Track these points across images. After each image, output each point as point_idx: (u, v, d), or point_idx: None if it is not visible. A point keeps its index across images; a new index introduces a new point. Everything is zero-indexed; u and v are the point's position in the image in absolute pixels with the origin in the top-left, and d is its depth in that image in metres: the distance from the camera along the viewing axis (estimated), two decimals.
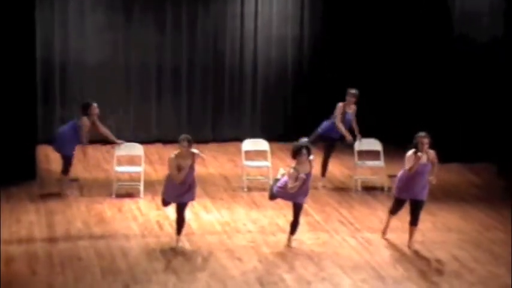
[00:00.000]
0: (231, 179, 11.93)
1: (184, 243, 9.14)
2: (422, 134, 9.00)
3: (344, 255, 8.94)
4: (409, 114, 13.96)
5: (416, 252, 9.07)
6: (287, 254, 8.91)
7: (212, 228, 9.78)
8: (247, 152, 11.69)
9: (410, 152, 8.99)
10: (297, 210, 9.02)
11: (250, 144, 11.83)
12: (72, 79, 13.80)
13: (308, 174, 8.87)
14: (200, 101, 14.27)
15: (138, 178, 11.05)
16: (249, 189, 11.30)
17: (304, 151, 8.79)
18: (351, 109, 11.49)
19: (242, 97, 14.43)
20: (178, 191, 8.93)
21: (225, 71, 14.31)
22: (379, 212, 10.29)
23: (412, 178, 8.97)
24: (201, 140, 14.00)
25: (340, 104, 11.44)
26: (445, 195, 11.43)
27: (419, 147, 8.92)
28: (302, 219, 9.72)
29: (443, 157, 12.91)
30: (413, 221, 9.15)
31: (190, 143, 8.88)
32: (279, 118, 14.50)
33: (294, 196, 8.90)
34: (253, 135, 13.02)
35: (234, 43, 14.28)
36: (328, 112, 14.56)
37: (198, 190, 11.19)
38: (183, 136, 8.95)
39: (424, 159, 8.95)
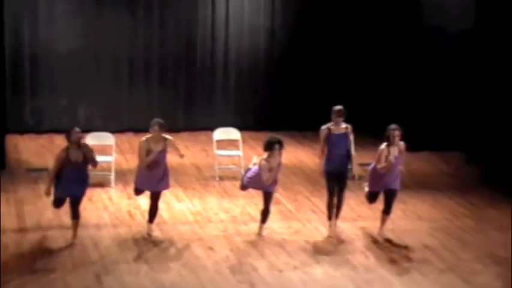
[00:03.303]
0: (203, 168, 11.91)
1: (156, 232, 9.11)
2: (393, 126, 9.02)
3: (316, 244, 8.98)
4: (379, 103, 14.05)
5: (387, 240, 9.14)
6: (259, 243, 8.93)
7: (184, 217, 9.76)
8: (218, 141, 11.68)
9: (382, 146, 9.02)
10: (267, 198, 9.06)
11: (221, 133, 11.81)
12: (42, 68, 13.65)
13: (278, 164, 8.92)
14: (172, 90, 14.21)
15: (109, 168, 10.98)
16: (221, 178, 11.29)
17: (277, 146, 8.84)
18: (340, 130, 9.19)
19: (214, 86, 14.40)
20: (152, 179, 8.90)
21: (196, 59, 14.25)
22: (350, 200, 10.33)
23: (387, 170, 9.02)
24: (172, 129, 13.90)
25: (323, 128, 9.23)
26: (415, 183, 11.54)
27: (390, 139, 8.97)
28: (274, 208, 9.75)
29: (414, 146, 13.05)
30: (387, 210, 9.22)
31: (161, 127, 8.86)
32: (250, 107, 14.49)
33: (263, 185, 8.94)
34: (225, 124, 12.99)
35: (205, 32, 14.22)
36: (300, 101, 14.69)
37: (170, 179, 11.22)
38: (154, 120, 8.94)
39: (395, 152, 9.00)
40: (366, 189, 9.38)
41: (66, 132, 8.64)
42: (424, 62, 13.20)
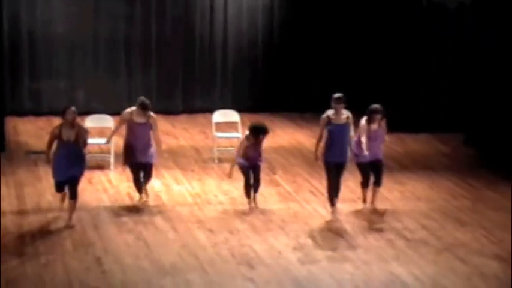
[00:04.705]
0: (202, 150, 11.94)
1: (156, 214, 9.16)
2: (374, 107, 9.30)
3: (315, 225, 9.03)
4: (378, 84, 14.03)
5: (385, 221, 9.19)
6: (258, 224, 8.97)
7: (183, 199, 9.80)
8: (217, 124, 11.69)
9: (363, 121, 9.30)
10: (257, 171, 9.45)
11: (220, 115, 11.82)
12: (41, 50, 13.63)
13: (258, 145, 9.41)
14: (170, 72, 14.19)
15: (108, 150, 11.00)
16: (220, 160, 11.32)
17: (261, 136, 9.32)
18: (341, 120, 9.00)
19: (212, 68, 14.38)
20: (136, 151, 9.29)
21: (195, 41, 14.23)
22: (349, 182, 10.36)
23: (367, 142, 9.25)
24: (171, 111, 13.98)
25: (323, 116, 9.04)
26: (413, 164, 11.59)
27: (372, 119, 9.28)
28: (273, 190, 9.95)
29: (412, 127, 13.13)
30: (377, 182, 9.47)
31: (144, 109, 9.29)
32: (249, 89, 14.49)
33: (253, 160, 9.34)
34: (223, 106, 13.01)
35: (204, 14, 14.18)
36: (299, 83, 14.69)
37: (169, 162, 11.26)
38: (140, 99, 9.38)
39: (375, 127, 9.32)
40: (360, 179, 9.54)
41: (62, 110, 8.72)
42: (423, 42, 13.17)
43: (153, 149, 9.45)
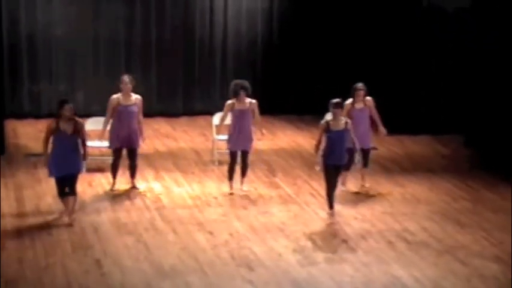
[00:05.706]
0: (202, 153, 11.94)
1: (155, 217, 9.16)
2: (358, 85, 9.78)
3: (315, 227, 9.02)
4: (376, 85, 14.00)
5: (385, 224, 9.19)
6: (258, 227, 8.97)
7: (183, 202, 9.80)
8: (218, 126, 11.67)
9: (347, 102, 9.65)
10: (245, 155, 9.85)
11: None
12: (41, 53, 13.64)
13: (250, 110, 9.64)
14: (170, 75, 14.20)
15: (108, 153, 10.97)
16: (220, 163, 11.31)
17: (242, 92, 9.54)
18: (340, 126, 8.96)
19: (212, 70, 14.39)
20: (123, 135, 9.55)
21: (195, 44, 14.24)
22: (349, 184, 10.36)
23: (353, 126, 9.30)
24: (171, 113, 13.99)
25: (322, 122, 9.08)
26: (413, 166, 11.59)
27: (355, 98, 9.71)
28: (273, 192, 9.94)
29: (412, 129, 13.13)
30: (364, 164, 10.06)
31: (132, 82, 9.59)
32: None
33: (241, 144, 9.70)
34: (223, 108, 12.97)
35: (203, 16, 14.19)
36: (299, 85, 14.68)
37: (169, 164, 11.27)
38: (124, 76, 9.74)
39: (360, 105, 9.73)
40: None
41: (59, 103, 8.62)
42: (423, 44, 13.18)
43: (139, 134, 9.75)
